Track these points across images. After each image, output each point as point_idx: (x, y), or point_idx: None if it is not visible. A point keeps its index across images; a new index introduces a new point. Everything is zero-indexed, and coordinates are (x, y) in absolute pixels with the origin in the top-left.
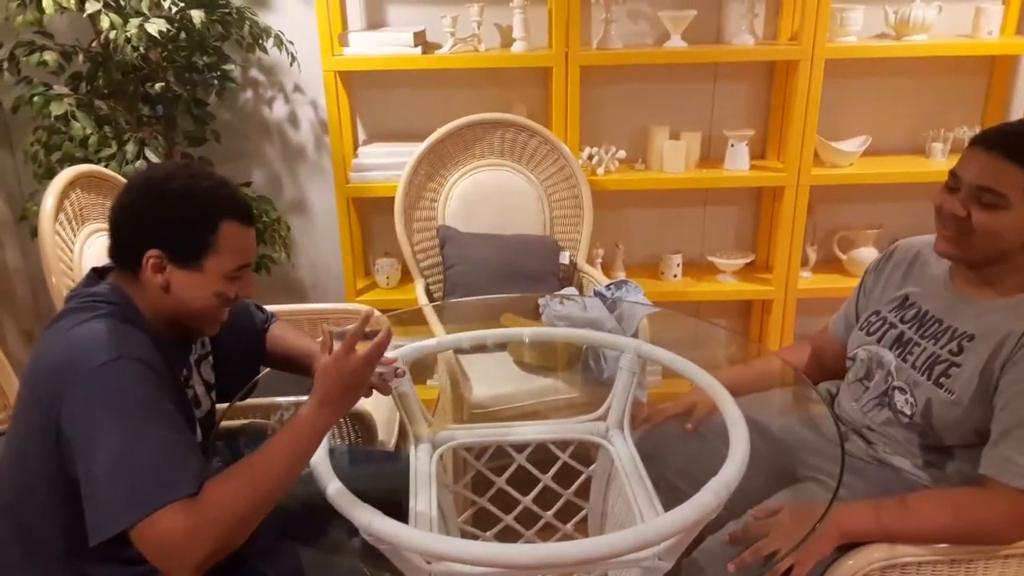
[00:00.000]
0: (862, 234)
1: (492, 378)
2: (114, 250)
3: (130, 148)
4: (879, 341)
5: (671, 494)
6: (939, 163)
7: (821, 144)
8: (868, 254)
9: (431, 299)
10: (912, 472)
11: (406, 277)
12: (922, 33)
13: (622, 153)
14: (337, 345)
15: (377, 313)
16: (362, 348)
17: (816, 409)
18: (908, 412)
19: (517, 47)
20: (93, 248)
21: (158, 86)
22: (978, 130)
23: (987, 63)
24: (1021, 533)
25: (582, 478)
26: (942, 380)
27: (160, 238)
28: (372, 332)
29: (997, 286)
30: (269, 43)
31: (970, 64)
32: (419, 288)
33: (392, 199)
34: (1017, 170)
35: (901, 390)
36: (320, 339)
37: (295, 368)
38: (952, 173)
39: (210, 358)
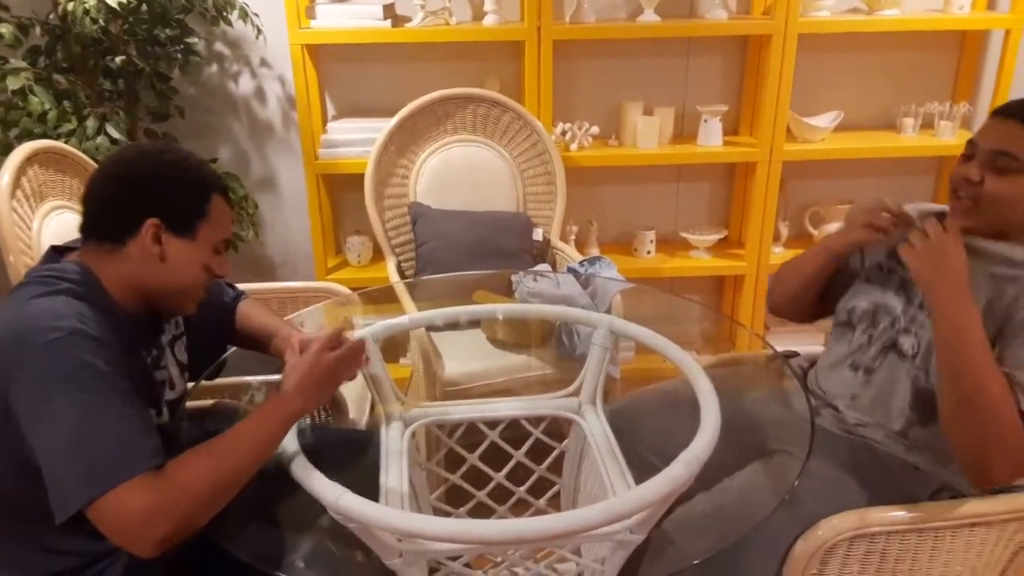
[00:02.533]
0: (833, 209)
1: (465, 355)
2: (97, 222)
3: (90, 123)
4: (883, 287)
5: (643, 468)
6: (910, 138)
7: (793, 119)
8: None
9: (403, 277)
10: (882, 443)
11: (378, 255)
12: (894, 8)
13: (595, 129)
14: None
15: (347, 291)
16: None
17: (788, 384)
18: (912, 352)
19: (488, 20)
20: (52, 226)
21: (119, 60)
22: (949, 105)
23: (958, 38)
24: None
25: (555, 454)
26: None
27: (160, 206)
28: (342, 341)
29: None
30: (234, 15)
31: (941, 39)
32: (391, 266)
33: (362, 176)
34: None
35: (906, 331)
36: (289, 328)
37: (258, 346)
38: (970, 142)
39: (184, 339)
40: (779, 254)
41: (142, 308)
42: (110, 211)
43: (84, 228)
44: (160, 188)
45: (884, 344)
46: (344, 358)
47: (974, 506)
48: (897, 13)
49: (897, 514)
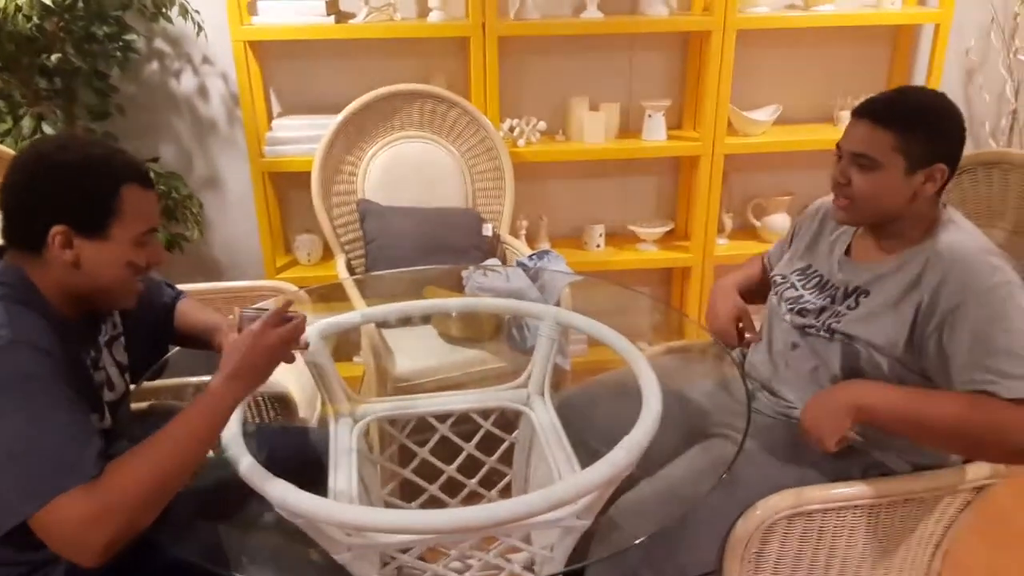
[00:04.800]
0: (775, 201)
1: (416, 351)
2: (11, 231)
3: (26, 123)
4: (781, 299)
5: (590, 456)
6: None
7: (734, 113)
8: (781, 220)
9: (352, 274)
10: None
11: (328, 253)
12: (829, 4)
13: (543, 125)
14: (247, 325)
15: (294, 288)
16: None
17: (728, 371)
18: (809, 367)
19: (433, 17)
20: None
21: (55, 58)
22: None
23: (891, 32)
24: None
25: (505, 445)
26: (834, 325)
27: (63, 212)
28: (289, 316)
29: (892, 243)
30: (173, 12)
31: (875, 34)
32: (340, 263)
33: (309, 173)
34: (884, 132)
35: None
36: (231, 316)
37: (199, 343)
38: (837, 145)
39: (122, 339)
40: (724, 245)
41: (77, 310)
42: (16, 221)
43: (3, 236)
44: (61, 193)
45: (802, 328)
46: (287, 336)
47: (906, 483)
48: (832, 9)
49: (833, 491)
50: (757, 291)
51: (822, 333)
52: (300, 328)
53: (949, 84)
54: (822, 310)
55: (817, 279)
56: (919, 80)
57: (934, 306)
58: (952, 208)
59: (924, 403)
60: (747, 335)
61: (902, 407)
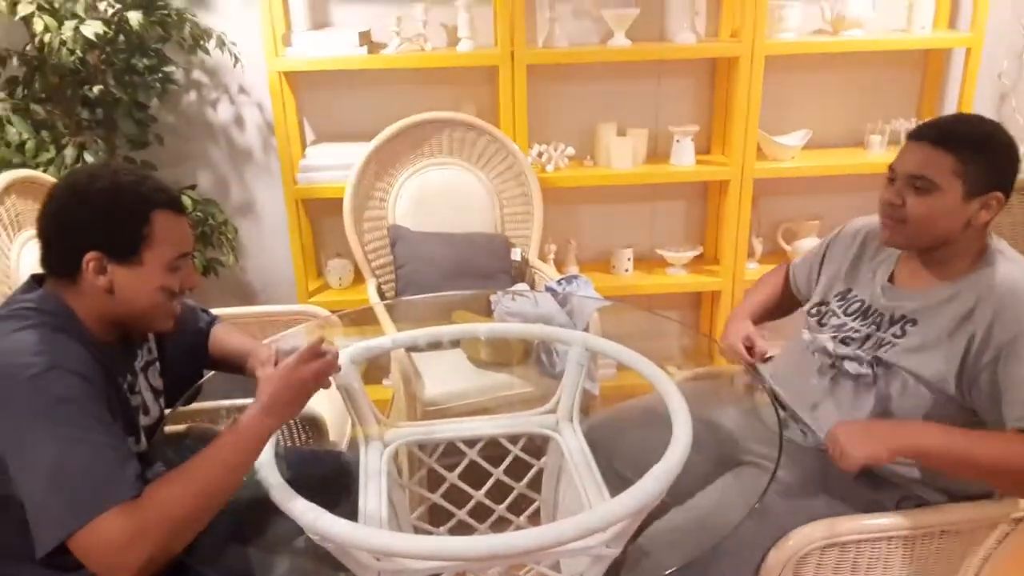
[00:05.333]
0: (805, 225)
1: (445, 375)
2: (48, 259)
3: (69, 152)
4: (825, 328)
5: (619, 483)
6: (878, 155)
7: (763, 138)
8: (811, 244)
9: (383, 298)
10: None
11: (359, 278)
12: (857, 28)
13: (571, 150)
14: (283, 359)
15: (326, 313)
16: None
17: (759, 398)
18: (854, 373)
19: (463, 46)
20: (30, 255)
21: (96, 89)
22: (914, 121)
23: (921, 56)
24: None
25: (533, 471)
26: (883, 356)
27: (95, 239)
28: (322, 351)
29: (940, 271)
30: (211, 44)
31: (905, 58)
32: (371, 288)
33: (341, 200)
34: (944, 155)
35: (851, 359)
36: (265, 341)
37: (232, 367)
38: (890, 167)
39: (157, 364)
40: (754, 270)
41: (114, 334)
42: (52, 249)
43: (42, 264)
44: (92, 220)
45: (833, 367)
46: (320, 372)
47: (942, 514)
48: (861, 34)
49: (867, 522)
50: (777, 307)
51: (864, 366)
52: (332, 364)
53: (982, 108)
54: (867, 338)
55: (858, 304)
56: (951, 105)
57: (988, 339)
58: (997, 237)
59: (972, 444)
60: (756, 351)
61: (951, 449)
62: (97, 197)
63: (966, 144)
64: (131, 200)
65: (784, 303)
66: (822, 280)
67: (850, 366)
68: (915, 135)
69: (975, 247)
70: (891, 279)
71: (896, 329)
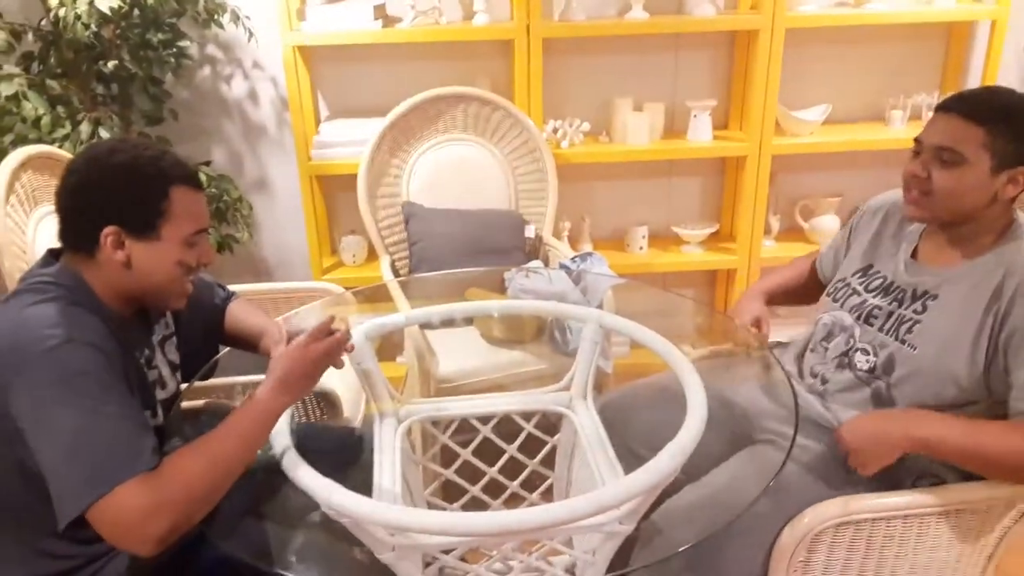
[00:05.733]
0: (823, 202)
1: (459, 352)
2: (66, 233)
3: (84, 128)
4: (843, 307)
5: (633, 460)
6: (899, 131)
7: (782, 113)
8: (830, 222)
9: (396, 275)
10: None
11: (372, 254)
12: (880, 1)
13: (586, 126)
14: (293, 335)
15: (340, 290)
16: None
17: (775, 375)
18: (867, 368)
19: (478, 20)
20: (46, 230)
21: (112, 64)
22: (937, 96)
23: (944, 29)
24: None
25: (547, 448)
26: (906, 337)
27: (114, 213)
28: (333, 330)
29: (964, 247)
30: (225, 19)
31: (928, 31)
32: (384, 264)
33: (355, 176)
34: (974, 127)
35: (864, 351)
36: (279, 319)
37: (248, 345)
38: (916, 139)
39: (174, 338)
40: (770, 248)
41: (131, 309)
42: (70, 223)
43: (59, 238)
44: (111, 194)
45: (838, 359)
46: (331, 349)
47: (957, 492)
48: (883, 7)
49: (881, 501)
50: (796, 292)
51: (888, 343)
52: (343, 341)
53: (1006, 82)
54: (889, 315)
55: (880, 280)
56: (974, 79)
57: (1007, 316)
58: (1022, 212)
59: (981, 435)
60: (761, 334)
61: (959, 440)
62: (117, 172)
63: (997, 117)
64: (150, 175)
65: (808, 287)
66: (846, 261)
67: (859, 359)
68: (944, 106)
69: (1001, 223)
70: (914, 255)
71: (918, 305)
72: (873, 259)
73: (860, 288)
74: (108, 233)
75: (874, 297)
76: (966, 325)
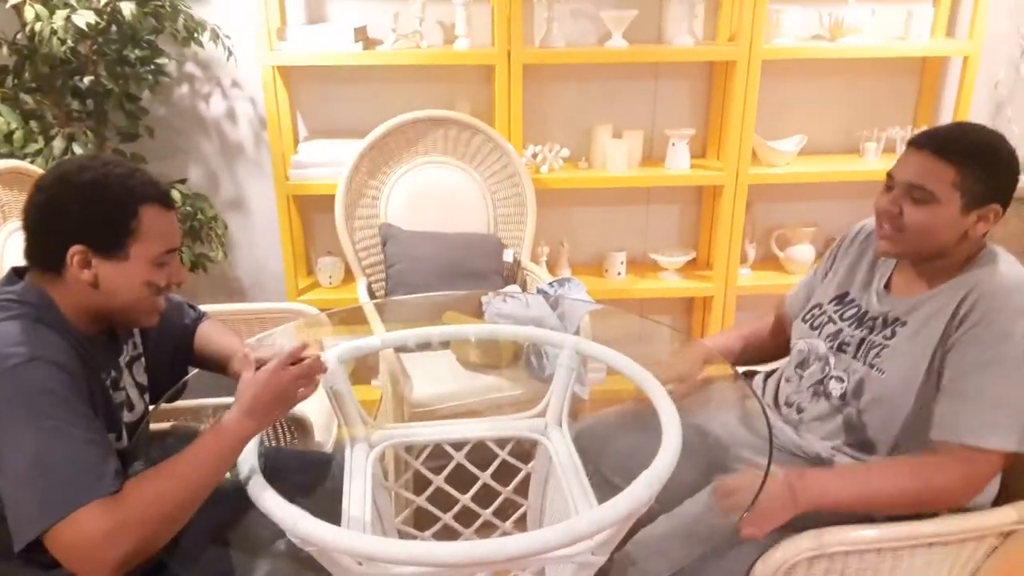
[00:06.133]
0: (799, 232)
1: (434, 376)
2: (32, 251)
3: (57, 143)
4: (819, 335)
5: (607, 489)
6: (873, 162)
7: (759, 143)
8: (805, 251)
9: (373, 297)
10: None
11: (349, 276)
12: (855, 35)
13: (565, 152)
14: (262, 361)
15: (315, 311)
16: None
17: (751, 405)
18: (838, 394)
19: (459, 44)
20: (15, 246)
21: (88, 80)
22: (910, 130)
23: (918, 64)
24: (975, 491)
25: (521, 475)
26: (874, 361)
27: (81, 232)
28: (303, 357)
29: (933, 277)
30: (205, 37)
31: (902, 65)
32: (361, 287)
33: (333, 197)
34: (945, 166)
35: (838, 379)
36: (249, 341)
37: (216, 367)
38: (888, 174)
39: (142, 359)
40: (746, 276)
41: (98, 328)
42: (36, 241)
43: (25, 256)
44: (79, 213)
45: (814, 387)
46: (301, 376)
47: (931, 525)
48: (858, 41)
49: (855, 534)
50: (762, 347)
51: (858, 368)
52: (314, 367)
53: (978, 117)
54: (861, 342)
55: (855, 309)
56: (947, 113)
57: (951, 339)
58: (993, 244)
59: (873, 482)
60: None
61: (852, 491)
62: (85, 190)
63: (968, 156)
64: (119, 194)
65: (776, 338)
66: (824, 284)
67: (833, 386)
68: (916, 142)
69: (970, 251)
70: (888, 285)
71: (887, 331)
72: (849, 287)
73: (836, 317)
74: (74, 252)
75: (849, 326)
76: (926, 349)
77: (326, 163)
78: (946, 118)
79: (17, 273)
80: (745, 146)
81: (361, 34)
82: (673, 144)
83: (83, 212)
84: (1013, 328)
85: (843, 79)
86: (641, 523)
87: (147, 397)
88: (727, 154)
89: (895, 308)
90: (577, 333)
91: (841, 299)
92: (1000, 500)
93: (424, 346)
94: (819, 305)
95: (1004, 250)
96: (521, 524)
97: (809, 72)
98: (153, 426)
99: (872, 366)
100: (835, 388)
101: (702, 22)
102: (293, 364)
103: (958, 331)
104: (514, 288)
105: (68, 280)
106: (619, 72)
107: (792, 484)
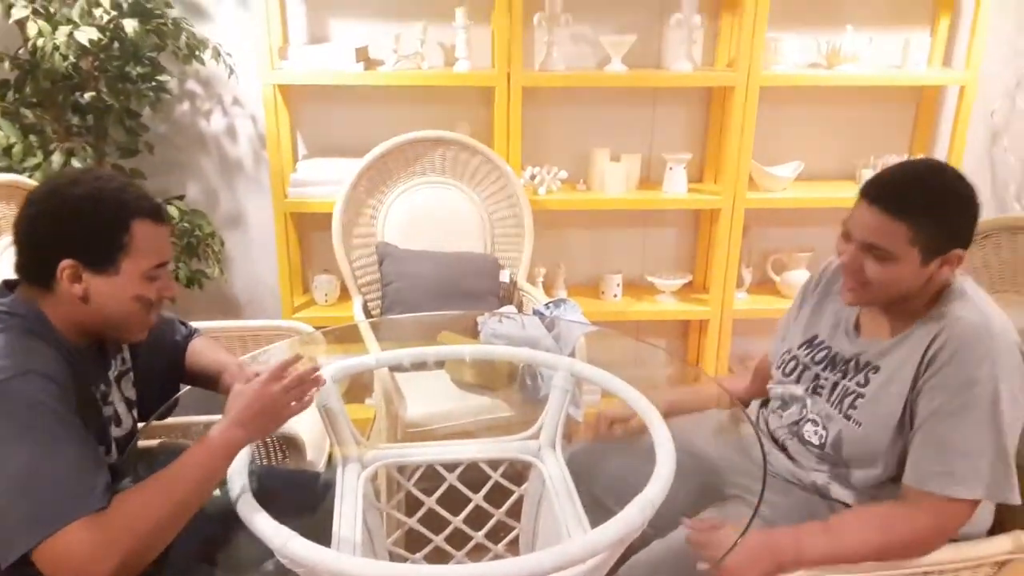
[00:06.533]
0: (795, 256)
1: (428, 396)
2: (23, 265)
3: (56, 158)
4: (796, 380)
5: (600, 512)
6: None
7: (756, 169)
8: (800, 276)
9: (368, 316)
10: (833, 491)
11: (345, 294)
12: (852, 63)
13: (564, 174)
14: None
15: (310, 329)
16: None
17: (745, 430)
18: (817, 443)
19: (460, 66)
20: (9, 260)
21: (88, 96)
22: (906, 158)
23: (915, 93)
24: (943, 540)
25: (514, 497)
26: (850, 412)
27: (72, 246)
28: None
29: (899, 318)
30: (206, 55)
31: (899, 94)
32: (356, 305)
33: (331, 215)
34: (897, 224)
35: (813, 422)
36: (239, 364)
37: (208, 383)
38: (845, 223)
39: (131, 374)
40: (743, 300)
41: (88, 342)
42: (27, 255)
43: (16, 270)
44: (70, 227)
45: (791, 429)
46: (290, 388)
47: (927, 556)
48: (856, 69)
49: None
50: (752, 395)
51: (834, 416)
52: (305, 379)
53: (973, 146)
54: (835, 386)
55: (825, 351)
56: (943, 142)
57: (920, 375)
58: (963, 276)
59: (844, 538)
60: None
61: (823, 550)
62: (77, 204)
63: (921, 210)
64: (111, 208)
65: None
66: (794, 327)
67: (808, 429)
68: (867, 195)
69: (938, 291)
70: (856, 325)
71: (860, 377)
72: (817, 329)
73: (808, 361)
74: (65, 267)
75: (823, 370)
76: (899, 400)
77: (324, 181)
78: (942, 146)
79: (8, 286)
80: (742, 171)
81: (362, 54)
82: (671, 168)
83: (74, 227)
84: (979, 373)
85: (840, 106)
86: (634, 547)
87: (135, 412)
88: (724, 179)
89: (866, 351)
90: (572, 355)
91: (810, 343)
92: (995, 529)
93: (419, 365)
94: (789, 351)
95: (972, 283)
96: (513, 547)
97: (806, 99)
98: (142, 443)
99: (848, 417)
100: (810, 432)
101: (701, 48)
102: (282, 377)
103: (926, 374)
104: (510, 309)
105: (58, 294)
106: (618, 96)
107: (769, 547)
